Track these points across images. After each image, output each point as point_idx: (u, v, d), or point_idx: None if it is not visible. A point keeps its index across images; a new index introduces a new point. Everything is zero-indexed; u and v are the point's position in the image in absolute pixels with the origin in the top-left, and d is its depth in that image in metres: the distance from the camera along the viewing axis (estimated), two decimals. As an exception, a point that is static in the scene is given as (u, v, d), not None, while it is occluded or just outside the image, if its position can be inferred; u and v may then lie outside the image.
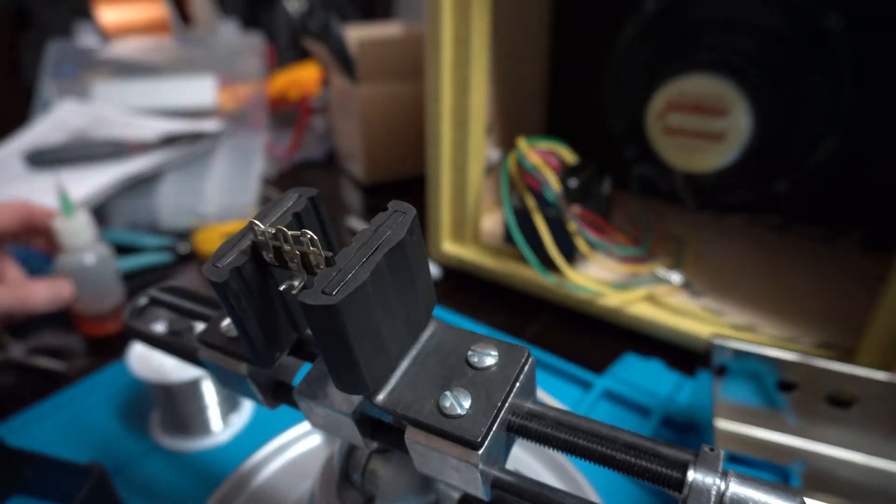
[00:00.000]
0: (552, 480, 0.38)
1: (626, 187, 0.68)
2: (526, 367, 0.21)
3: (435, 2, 0.54)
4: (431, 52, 0.57)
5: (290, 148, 0.98)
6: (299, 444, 0.41)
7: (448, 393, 0.20)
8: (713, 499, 0.18)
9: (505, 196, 0.57)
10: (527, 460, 0.40)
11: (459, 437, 0.19)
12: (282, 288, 0.21)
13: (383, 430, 0.24)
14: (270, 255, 0.21)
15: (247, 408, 0.46)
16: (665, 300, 0.55)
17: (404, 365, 0.22)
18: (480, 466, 0.19)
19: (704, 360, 0.43)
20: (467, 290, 0.64)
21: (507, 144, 0.70)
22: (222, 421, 0.44)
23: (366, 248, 0.19)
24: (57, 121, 0.85)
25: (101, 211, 0.73)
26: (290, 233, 0.20)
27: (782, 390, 0.42)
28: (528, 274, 0.59)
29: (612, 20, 0.67)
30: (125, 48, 0.95)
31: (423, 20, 0.59)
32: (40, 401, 0.47)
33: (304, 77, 1.06)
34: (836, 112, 0.58)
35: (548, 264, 0.56)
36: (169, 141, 0.78)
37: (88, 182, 0.70)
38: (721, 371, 0.43)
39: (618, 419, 0.46)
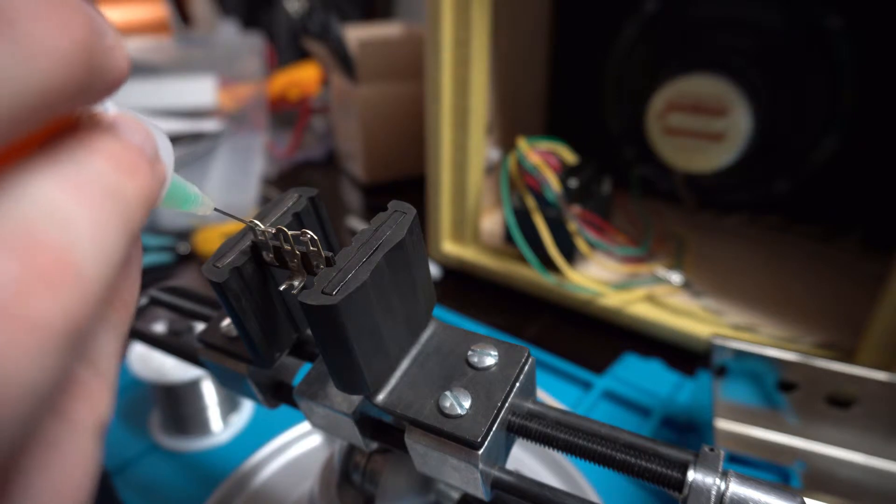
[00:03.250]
0: (552, 480, 0.38)
1: (626, 187, 0.68)
2: (526, 367, 0.21)
3: (435, 2, 0.54)
4: (431, 53, 0.57)
5: (290, 148, 0.98)
6: (299, 444, 0.41)
7: (448, 393, 0.20)
8: (713, 499, 0.18)
9: (505, 196, 0.57)
10: (527, 460, 0.40)
11: (459, 437, 0.19)
12: (282, 288, 0.21)
13: (383, 430, 0.24)
14: (270, 255, 0.21)
15: (247, 408, 0.46)
16: (665, 300, 0.55)
17: (404, 365, 0.22)
18: (480, 466, 0.19)
19: (704, 360, 0.43)
20: (467, 290, 0.64)
21: (507, 144, 0.70)
22: (222, 421, 0.44)
23: (366, 248, 0.19)
24: (57, 121, 0.85)
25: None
26: (290, 233, 0.20)
27: (782, 390, 0.42)
28: (528, 274, 0.59)
29: (612, 20, 0.67)
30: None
31: (423, 20, 0.59)
32: (40, 401, 0.47)
33: (304, 77, 1.06)
34: (836, 112, 0.58)
35: (548, 264, 0.56)
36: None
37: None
38: (721, 371, 0.43)
39: (618, 419, 0.46)
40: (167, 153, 0.16)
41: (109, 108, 0.15)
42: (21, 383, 0.10)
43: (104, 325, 0.14)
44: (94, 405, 0.13)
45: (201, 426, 0.44)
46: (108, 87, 0.13)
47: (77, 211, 0.12)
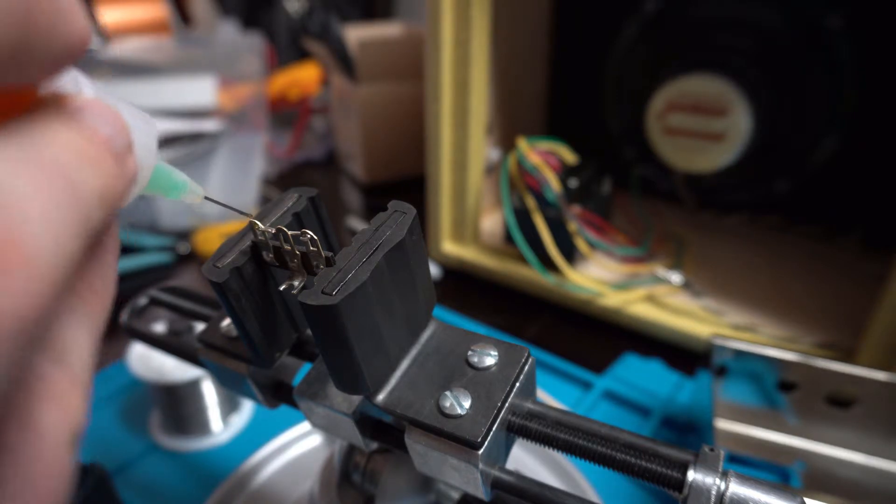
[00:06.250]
0: (552, 480, 0.38)
1: (626, 187, 0.68)
2: (526, 367, 0.21)
3: (435, 2, 0.54)
4: (431, 52, 0.57)
5: (290, 148, 0.98)
6: (299, 444, 0.41)
7: (448, 393, 0.20)
8: (713, 499, 0.18)
9: (505, 196, 0.57)
10: (527, 460, 0.40)
11: (459, 437, 0.19)
12: (282, 288, 0.21)
13: (383, 430, 0.24)
14: (270, 255, 0.21)
15: (247, 408, 0.46)
16: (665, 300, 0.55)
17: (404, 365, 0.22)
18: (480, 466, 0.19)
19: (704, 360, 0.43)
20: (467, 290, 0.64)
21: (507, 144, 0.70)
22: (222, 421, 0.44)
23: (366, 248, 0.19)
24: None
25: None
26: (290, 233, 0.20)
27: (782, 390, 0.42)
28: (528, 274, 0.59)
29: (612, 20, 0.67)
30: (125, 48, 0.95)
31: (423, 20, 0.59)
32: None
33: (304, 77, 1.06)
34: (836, 112, 0.58)
35: (548, 264, 0.56)
36: (169, 141, 0.78)
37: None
38: (721, 371, 0.43)
39: (618, 419, 0.46)
40: (149, 139, 0.15)
41: (85, 89, 0.14)
42: None
43: (72, 317, 0.13)
44: (64, 407, 0.12)
45: (201, 426, 0.44)
46: (60, 54, 0.11)
47: (26, 191, 0.10)
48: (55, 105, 0.13)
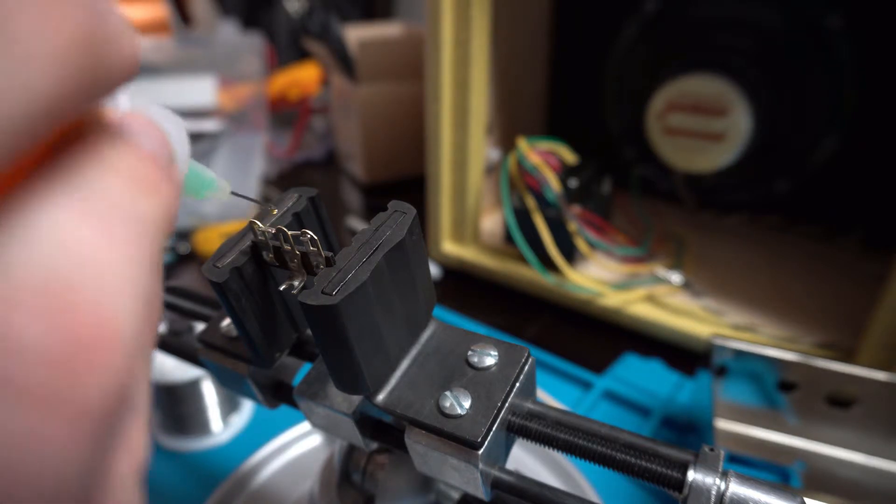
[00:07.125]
0: (552, 480, 0.38)
1: (626, 187, 0.68)
2: (526, 367, 0.21)
3: (435, 2, 0.54)
4: (431, 52, 0.57)
5: (290, 148, 0.98)
6: (299, 444, 0.41)
7: (448, 393, 0.20)
8: (713, 499, 0.18)
9: (505, 196, 0.57)
10: (527, 460, 0.40)
11: (459, 437, 0.19)
12: (282, 288, 0.21)
13: (383, 430, 0.24)
14: (270, 255, 0.21)
15: (247, 408, 0.46)
16: (665, 300, 0.55)
17: (404, 365, 0.22)
18: (480, 466, 0.19)
19: (704, 360, 0.43)
20: (467, 290, 0.64)
21: (507, 144, 0.70)
22: (222, 421, 0.44)
23: (366, 248, 0.19)
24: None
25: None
26: (290, 233, 0.20)
27: (782, 390, 0.42)
28: (528, 274, 0.59)
29: (612, 20, 0.67)
30: (125, 48, 0.95)
31: (423, 20, 0.59)
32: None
33: (304, 77, 1.06)
34: (837, 112, 0.58)
35: (548, 264, 0.56)
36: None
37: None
38: (721, 371, 0.43)
39: (618, 419, 0.46)
40: (183, 142, 0.14)
41: (122, 102, 0.13)
42: (61, 479, 0.08)
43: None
44: (132, 450, 0.11)
45: (201, 426, 0.44)
46: (115, 81, 0.10)
47: (104, 250, 0.09)
48: (98, 125, 0.11)
